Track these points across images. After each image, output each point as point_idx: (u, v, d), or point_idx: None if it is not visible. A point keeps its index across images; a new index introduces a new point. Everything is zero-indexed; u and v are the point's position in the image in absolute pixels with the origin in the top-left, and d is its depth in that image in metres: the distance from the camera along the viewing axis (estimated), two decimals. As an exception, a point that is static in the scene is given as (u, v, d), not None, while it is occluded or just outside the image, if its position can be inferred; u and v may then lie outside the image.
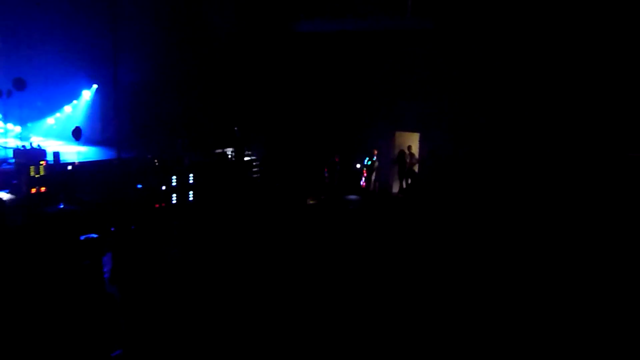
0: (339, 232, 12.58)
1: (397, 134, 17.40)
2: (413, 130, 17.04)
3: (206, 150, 17.07)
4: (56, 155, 14.55)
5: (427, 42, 16.02)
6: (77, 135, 15.90)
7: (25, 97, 18.84)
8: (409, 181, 16.98)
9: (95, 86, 19.75)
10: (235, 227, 12.62)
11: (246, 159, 17.24)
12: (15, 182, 14.06)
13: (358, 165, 17.38)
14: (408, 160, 17.09)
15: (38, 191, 13.45)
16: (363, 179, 17.33)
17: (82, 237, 9.28)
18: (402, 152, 17.18)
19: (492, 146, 15.10)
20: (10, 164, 15.19)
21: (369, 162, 17.29)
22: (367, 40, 17.09)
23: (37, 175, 13.59)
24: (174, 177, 14.46)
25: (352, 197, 16.75)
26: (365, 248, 11.50)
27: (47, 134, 20.21)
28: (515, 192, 14.17)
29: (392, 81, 17.05)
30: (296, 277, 9.65)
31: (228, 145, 17.29)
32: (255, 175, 17.21)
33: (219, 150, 17.22)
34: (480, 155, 15.16)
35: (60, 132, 19.75)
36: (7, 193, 13.94)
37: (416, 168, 17.07)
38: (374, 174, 17.41)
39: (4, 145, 17.64)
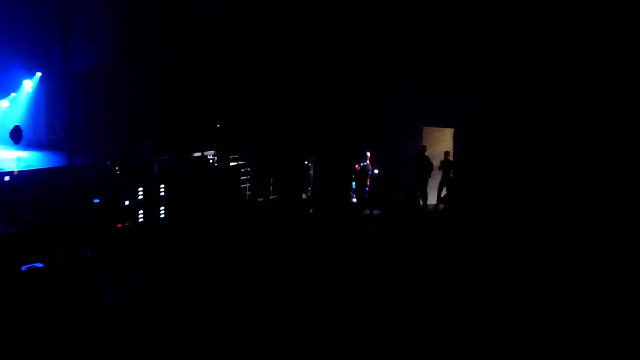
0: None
1: (425, 130, 17.53)
2: (445, 126, 17.20)
3: (181, 154, 17.11)
4: (-11, 162, 14.49)
5: (465, 12, 16.11)
6: (16, 137, 15.85)
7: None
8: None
9: (38, 74, 19.71)
10: (219, 253, 12.58)
11: (232, 164, 17.27)
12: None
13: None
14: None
15: (-34, 209, 13.31)
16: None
17: (24, 267, 9.30)
18: (421, 151, 16.98)
19: (547, 145, 15.18)
20: None
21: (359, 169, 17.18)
22: (385, 10, 17.04)
23: (-35, 189, 13.50)
24: (141, 188, 14.41)
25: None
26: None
27: (-22, 137, 20.13)
28: (574, 203, 14.18)
29: (419, 64, 17.17)
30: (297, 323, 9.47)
31: (208, 148, 17.36)
32: (243, 185, 17.17)
33: (197, 154, 17.28)
34: (531, 156, 15.27)
35: (-7, 134, 19.68)
36: None
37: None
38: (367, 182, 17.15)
39: None
